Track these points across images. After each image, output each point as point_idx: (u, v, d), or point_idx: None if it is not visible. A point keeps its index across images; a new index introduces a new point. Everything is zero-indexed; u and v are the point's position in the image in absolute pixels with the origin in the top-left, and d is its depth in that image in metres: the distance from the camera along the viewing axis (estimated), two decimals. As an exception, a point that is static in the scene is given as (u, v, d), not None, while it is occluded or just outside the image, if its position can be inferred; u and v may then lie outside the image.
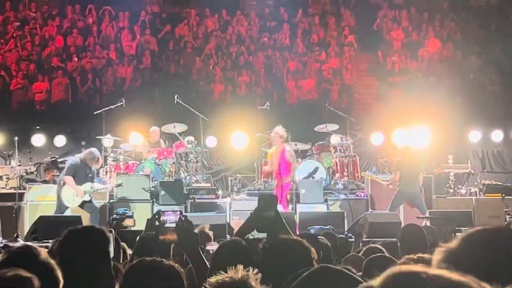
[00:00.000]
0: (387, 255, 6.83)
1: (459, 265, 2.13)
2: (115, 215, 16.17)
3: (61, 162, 19.01)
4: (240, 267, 3.40)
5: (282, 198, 17.05)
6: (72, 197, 15.98)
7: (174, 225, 6.15)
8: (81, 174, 16.02)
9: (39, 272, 3.90)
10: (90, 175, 16.15)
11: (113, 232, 6.24)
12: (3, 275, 3.60)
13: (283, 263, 4.59)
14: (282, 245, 4.81)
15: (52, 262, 4.13)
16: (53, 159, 19.55)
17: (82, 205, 16.08)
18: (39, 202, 17.40)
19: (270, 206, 6.17)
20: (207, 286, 3.32)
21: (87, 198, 16.03)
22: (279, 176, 17.33)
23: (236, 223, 16.06)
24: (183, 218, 6.13)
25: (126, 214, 16.10)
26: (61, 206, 16.08)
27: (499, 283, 2.14)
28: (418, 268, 1.96)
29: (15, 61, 24.05)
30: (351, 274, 3.55)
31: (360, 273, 5.51)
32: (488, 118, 22.52)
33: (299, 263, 4.51)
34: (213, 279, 3.34)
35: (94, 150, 16.34)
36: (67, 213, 16.05)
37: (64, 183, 16.08)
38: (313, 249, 4.82)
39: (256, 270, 3.45)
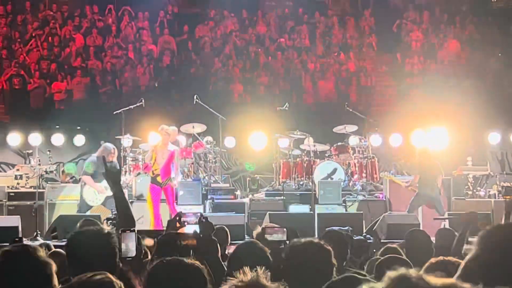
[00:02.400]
0: (401, 257, 6.83)
1: (484, 269, 2.13)
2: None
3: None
4: (247, 269, 3.42)
5: (171, 202, 16.09)
6: (94, 195, 16.13)
7: (193, 226, 6.18)
8: (99, 171, 16.11)
9: (32, 270, 3.95)
10: None
11: (135, 231, 6.30)
12: (89, 279, 3.64)
13: (304, 266, 4.59)
14: (304, 248, 4.81)
15: (48, 260, 4.17)
16: (73, 178, 19.56)
17: (105, 202, 16.15)
18: (58, 201, 17.50)
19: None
20: None
21: (109, 193, 16.07)
22: (164, 177, 16.12)
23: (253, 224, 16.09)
24: (203, 220, 6.16)
25: None
26: (82, 206, 16.18)
27: None
28: (418, 274, 1.99)
29: (35, 61, 24.16)
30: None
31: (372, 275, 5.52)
32: (507, 119, 22.42)
33: (320, 266, 4.53)
34: (224, 287, 3.37)
35: (107, 144, 16.45)
36: (88, 212, 16.11)
37: (84, 183, 16.24)
38: (332, 252, 4.82)
39: (264, 268, 3.46)
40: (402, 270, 1.98)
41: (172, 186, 16.17)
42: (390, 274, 1.96)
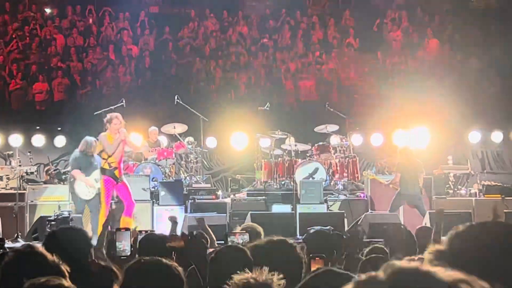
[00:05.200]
0: (382, 256, 6.85)
1: (449, 264, 2.13)
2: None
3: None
4: (266, 269, 3.40)
5: (128, 197, 15.42)
6: (86, 189, 15.66)
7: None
8: (85, 165, 15.82)
9: (48, 274, 3.90)
10: (95, 163, 15.94)
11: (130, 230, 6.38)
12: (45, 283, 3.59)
13: (270, 265, 4.58)
14: (268, 247, 4.81)
15: (62, 264, 4.13)
16: (57, 170, 19.37)
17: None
18: (39, 202, 17.40)
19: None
20: (231, 283, 3.33)
21: (99, 185, 15.72)
22: (121, 171, 15.47)
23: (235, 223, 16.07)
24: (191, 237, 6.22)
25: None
26: (77, 202, 15.80)
27: (490, 279, 2.13)
28: (422, 265, 1.96)
29: (15, 62, 24.05)
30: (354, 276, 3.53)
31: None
32: (487, 119, 22.53)
33: (287, 265, 4.53)
34: (237, 277, 3.33)
35: (88, 138, 16.10)
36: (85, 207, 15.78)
37: (74, 179, 15.82)
38: (300, 252, 4.80)
39: (281, 275, 3.45)
40: (404, 262, 1.94)
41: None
42: (392, 264, 1.92)
